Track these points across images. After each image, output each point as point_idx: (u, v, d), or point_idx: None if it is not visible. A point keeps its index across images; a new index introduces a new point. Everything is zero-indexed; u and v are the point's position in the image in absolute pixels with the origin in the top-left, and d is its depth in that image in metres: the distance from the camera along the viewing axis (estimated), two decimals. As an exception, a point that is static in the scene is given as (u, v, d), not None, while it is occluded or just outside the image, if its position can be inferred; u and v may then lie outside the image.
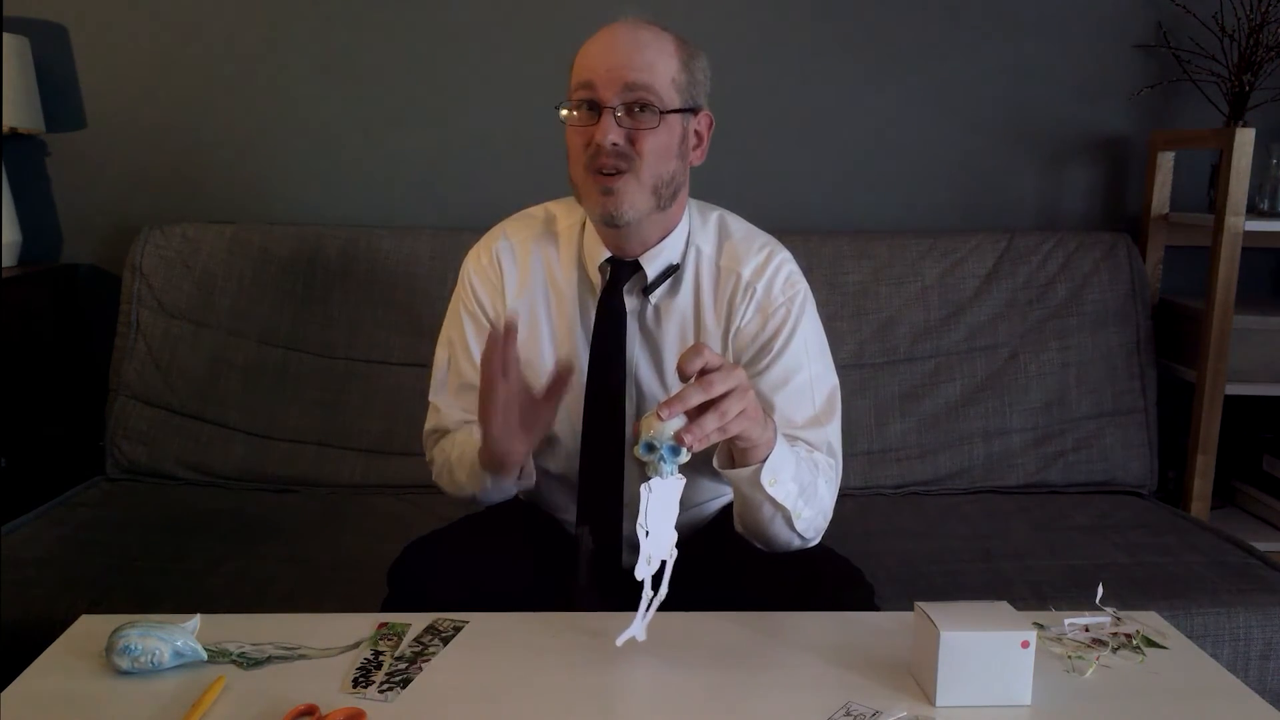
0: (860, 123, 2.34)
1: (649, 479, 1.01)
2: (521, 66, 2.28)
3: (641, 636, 1.03)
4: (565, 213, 1.41)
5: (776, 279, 1.34)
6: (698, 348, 1.02)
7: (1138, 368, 2.18)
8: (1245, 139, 2.02)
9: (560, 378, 1.21)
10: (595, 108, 1.24)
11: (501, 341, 1.15)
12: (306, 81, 2.28)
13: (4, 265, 2.16)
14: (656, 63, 1.25)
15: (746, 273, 1.34)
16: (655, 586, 1.02)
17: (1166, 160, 2.29)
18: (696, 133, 1.32)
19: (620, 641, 1.02)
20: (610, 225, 1.27)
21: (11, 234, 2.18)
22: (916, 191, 2.37)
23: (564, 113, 1.28)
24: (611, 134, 1.23)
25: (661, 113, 1.25)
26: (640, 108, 1.24)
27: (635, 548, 1.01)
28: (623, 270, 1.34)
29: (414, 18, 2.26)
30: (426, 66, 2.28)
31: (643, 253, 1.33)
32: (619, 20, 1.29)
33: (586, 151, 1.25)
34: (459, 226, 2.20)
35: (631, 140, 1.24)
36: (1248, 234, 2.06)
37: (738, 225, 1.40)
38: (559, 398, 1.23)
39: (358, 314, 2.14)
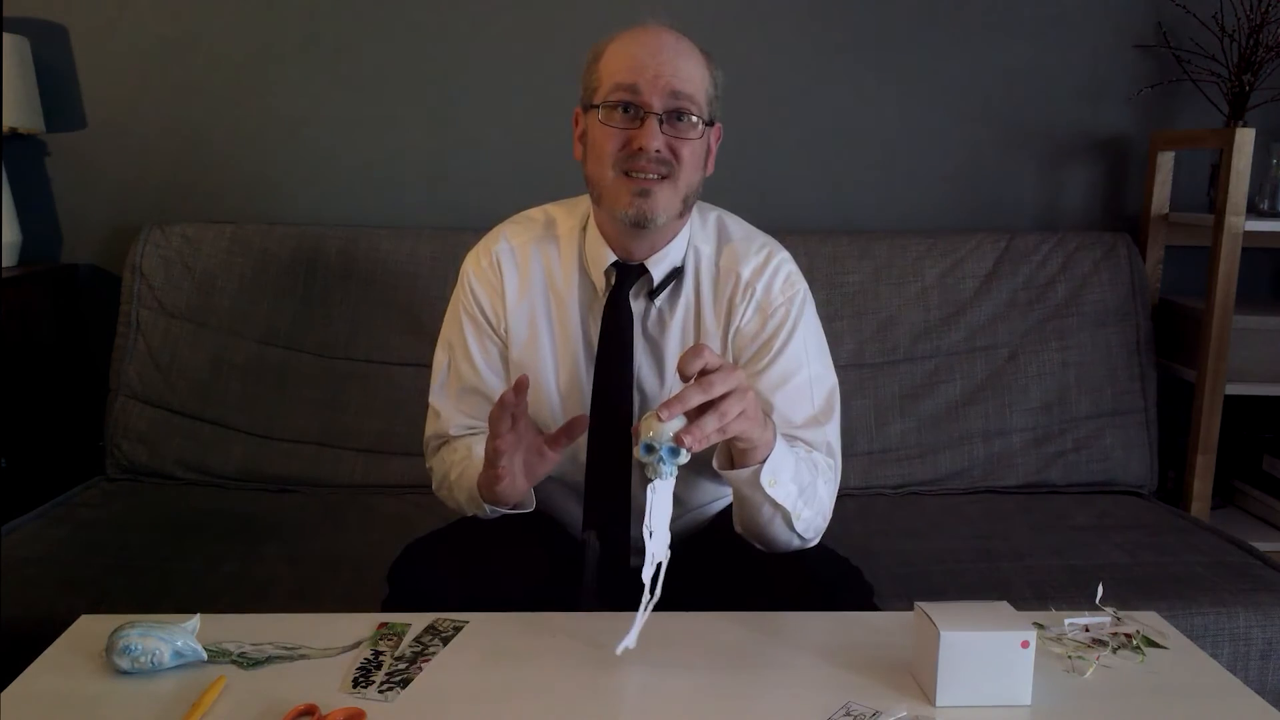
0: (860, 123, 2.34)
1: (651, 481, 1.01)
2: (522, 67, 2.28)
3: (633, 644, 1.02)
4: (565, 215, 1.40)
5: (776, 279, 1.34)
6: (698, 349, 1.02)
7: (1138, 368, 2.18)
8: (1245, 139, 2.03)
9: (571, 431, 1.21)
10: (633, 110, 1.24)
11: (512, 401, 1.14)
12: (306, 81, 2.28)
13: (4, 265, 2.16)
14: (696, 74, 1.26)
15: (746, 273, 1.34)
16: (652, 589, 1.02)
17: (1166, 160, 2.29)
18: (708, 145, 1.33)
19: (620, 650, 1.02)
20: (639, 226, 1.26)
21: (11, 234, 2.18)
22: (916, 191, 2.37)
23: (600, 113, 1.26)
24: (657, 140, 1.23)
25: (703, 123, 1.26)
26: (680, 116, 1.24)
27: (642, 551, 1.00)
28: (627, 274, 1.33)
29: (414, 18, 2.26)
30: (426, 67, 2.28)
31: (650, 256, 1.33)
32: (649, 24, 1.27)
33: (621, 153, 1.25)
34: (459, 226, 2.21)
35: (671, 148, 1.24)
36: (1248, 234, 2.07)
37: (736, 226, 1.40)
38: (566, 447, 1.22)
39: (358, 314, 2.14)
